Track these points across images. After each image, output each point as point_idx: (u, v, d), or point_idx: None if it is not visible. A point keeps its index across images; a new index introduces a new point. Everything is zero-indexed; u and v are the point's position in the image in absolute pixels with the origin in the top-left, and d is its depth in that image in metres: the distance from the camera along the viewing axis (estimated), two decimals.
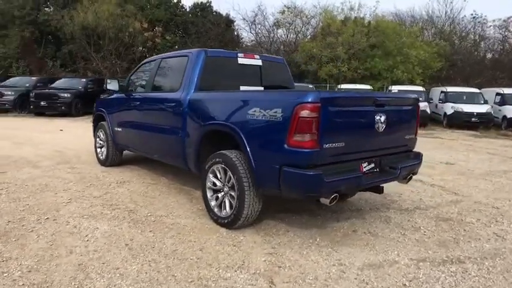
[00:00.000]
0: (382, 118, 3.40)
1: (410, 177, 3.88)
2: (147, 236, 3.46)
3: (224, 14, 27.85)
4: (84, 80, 16.52)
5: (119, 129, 5.72)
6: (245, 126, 3.40)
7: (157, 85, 5.00)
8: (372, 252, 3.31)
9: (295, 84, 17.89)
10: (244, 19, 26.77)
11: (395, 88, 17.21)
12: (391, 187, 5.43)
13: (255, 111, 3.31)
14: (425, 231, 3.84)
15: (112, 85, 5.41)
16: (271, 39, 28.06)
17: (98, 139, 6.44)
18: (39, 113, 14.97)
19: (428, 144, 11.00)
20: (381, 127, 3.41)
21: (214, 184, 3.82)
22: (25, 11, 21.33)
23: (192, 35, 25.35)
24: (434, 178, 6.30)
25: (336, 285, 2.72)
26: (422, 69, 21.48)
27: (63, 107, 14.34)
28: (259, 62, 4.85)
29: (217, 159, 3.71)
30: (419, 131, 15.03)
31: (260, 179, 3.30)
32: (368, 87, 17.82)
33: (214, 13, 28.09)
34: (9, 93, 14.83)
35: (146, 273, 2.77)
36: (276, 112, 3.13)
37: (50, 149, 7.79)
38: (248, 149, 3.35)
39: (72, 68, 21.76)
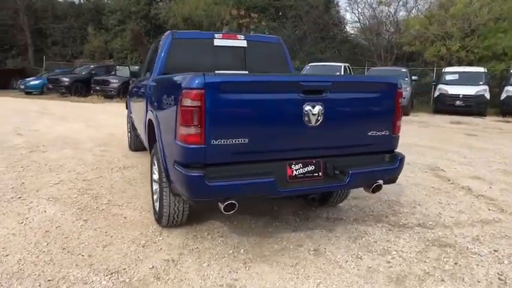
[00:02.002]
0: (316, 109, 2.64)
1: (378, 186, 2.97)
2: (75, 225, 3.41)
3: None
4: None
5: (132, 115, 5.86)
6: (158, 116, 3.05)
7: (147, 70, 4.91)
8: (290, 276, 2.65)
9: (391, 68, 15.99)
10: None
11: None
12: (412, 194, 4.43)
13: (164, 98, 2.92)
14: (392, 258, 2.93)
15: (122, 72, 5.52)
16: (378, 20, 25.71)
17: (128, 124, 6.74)
18: None
19: None
20: (314, 120, 2.66)
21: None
22: (140, 7, 23.85)
23: (290, 19, 24.89)
24: (494, 187, 4.86)
25: None
26: None
27: None
28: (242, 43, 4.34)
29: (153, 150, 3.44)
30: None
31: (167, 176, 2.92)
32: (481, 69, 14.83)
33: None
34: (115, 81, 16.76)
35: (19, 264, 2.69)
36: (171, 100, 2.70)
37: (107, 132, 8.51)
38: (160, 141, 3.00)
39: None
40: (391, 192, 4.52)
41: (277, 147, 2.67)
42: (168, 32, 4.18)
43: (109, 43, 24.88)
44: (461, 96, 13.15)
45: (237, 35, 4.35)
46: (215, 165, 2.52)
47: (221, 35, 4.26)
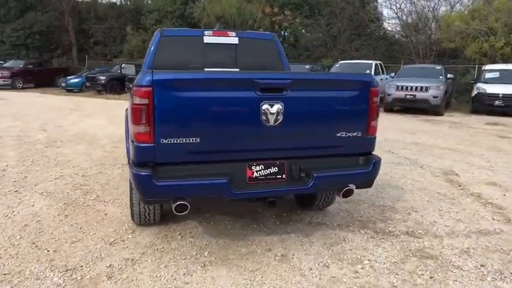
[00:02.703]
0: (274, 108, 2.50)
1: (349, 191, 2.78)
2: (55, 220, 3.48)
3: None
4: None
5: None
6: (127, 114, 3.03)
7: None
8: (244, 282, 2.54)
9: (425, 65, 15.16)
10: None
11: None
12: (412, 200, 4.18)
13: (129, 96, 2.90)
14: (362, 269, 2.73)
15: (127, 70, 5.60)
16: (418, 15, 24.52)
17: None
18: None
19: None
20: (273, 119, 2.52)
21: None
22: (176, 6, 24.36)
23: (325, 16, 24.36)
24: (508, 194, 4.45)
25: None
26: None
27: None
28: (234, 40, 4.25)
29: None
30: None
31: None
32: None
33: None
34: None
35: None
36: (130, 98, 2.67)
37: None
38: (126, 139, 2.99)
39: None
40: (389, 197, 4.26)
41: (233, 147, 2.56)
42: (157, 30, 4.18)
43: (146, 42, 25.55)
44: (500, 95, 12.20)
45: (228, 32, 4.27)
46: (166, 165, 2.46)
47: (211, 32, 4.20)
